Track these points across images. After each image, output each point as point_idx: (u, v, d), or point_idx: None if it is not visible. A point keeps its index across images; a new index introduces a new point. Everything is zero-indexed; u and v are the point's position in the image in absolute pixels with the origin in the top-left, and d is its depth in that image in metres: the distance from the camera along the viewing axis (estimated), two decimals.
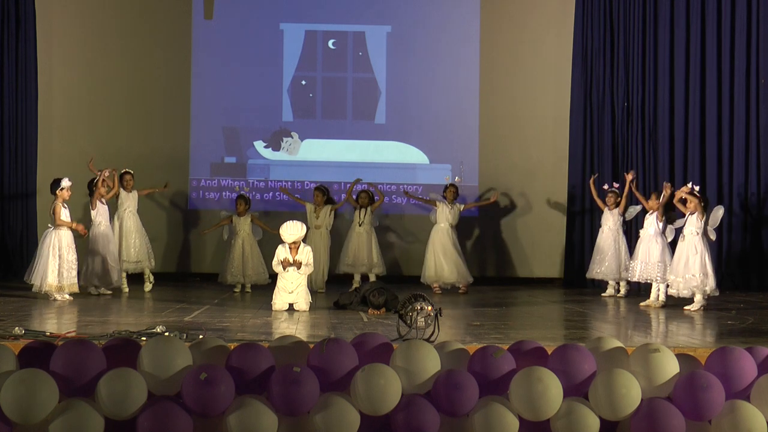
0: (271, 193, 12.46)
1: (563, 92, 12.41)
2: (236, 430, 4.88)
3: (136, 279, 10.65)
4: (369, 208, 11.27)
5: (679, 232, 9.35)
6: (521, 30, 12.59)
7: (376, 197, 11.40)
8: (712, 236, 9.22)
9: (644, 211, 10.34)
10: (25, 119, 11.94)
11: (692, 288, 9.05)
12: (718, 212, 9.28)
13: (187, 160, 12.38)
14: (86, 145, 12.02)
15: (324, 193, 11.18)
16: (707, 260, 9.04)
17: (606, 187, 11.13)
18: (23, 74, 11.92)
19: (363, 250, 11.18)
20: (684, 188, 9.30)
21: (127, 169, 10.66)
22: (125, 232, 10.51)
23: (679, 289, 9.12)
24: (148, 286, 10.48)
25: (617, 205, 10.89)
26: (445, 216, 11.10)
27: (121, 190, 10.51)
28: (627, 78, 12.22)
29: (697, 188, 9.32)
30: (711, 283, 9.00)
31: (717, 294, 9.10)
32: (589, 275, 11.10)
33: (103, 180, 10.01)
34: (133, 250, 10.52)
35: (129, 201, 10.59)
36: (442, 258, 10.97)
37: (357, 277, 11.12)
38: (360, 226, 11.23)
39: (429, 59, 12.60)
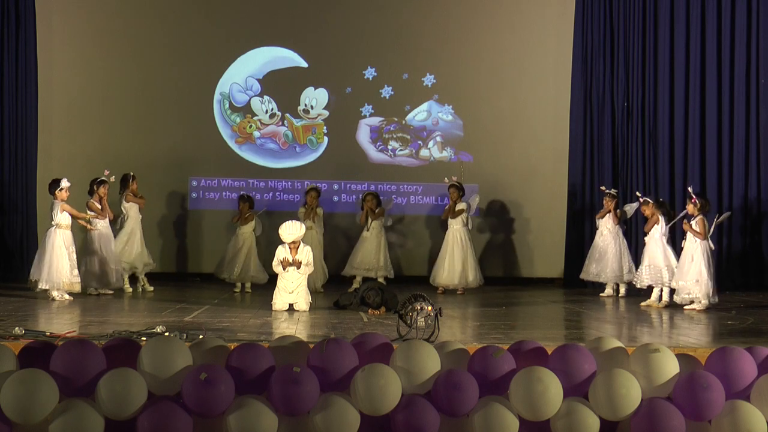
0: (271, 193, 12.44)
1: (563, 92, 12.39)
2: (236, 430, 4.88)
3: (132, 279, 10.65)
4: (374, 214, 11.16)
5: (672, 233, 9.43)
6: (521, 30, 12.56)
7: (383, 198, 11.39)
8: (711, 245, 9.25)
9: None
10: (25, 119, 11.92)
11: (686, 297, 9.10)
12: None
13: (187, 160, 12.35)
14: (86, 145, 12.03)
15: (319, 194, 11.14)
16: (703, 270, 9.04)
17: (603, 188, 11.13)
18: (23, 74, 11.90)
19: (371, 253, 11.12)
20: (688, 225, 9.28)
21: (132, 173, 10.61)
22: (141, 234, 10.57)
23: (680, 296, 9.21)
24: (149, 287, 10.52)
25: (616, 206, 10.89)
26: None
27: (129, 194, 10.52)
28: (627, 78, 12.21)
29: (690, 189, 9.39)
30: (706, 291, 9.00)
31: (716, 301, 9.11)
32: (583, 276, 11.05)
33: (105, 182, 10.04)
34: (148, 250, 10.63)
35: (136, 205, 10.61)
36: (451, 260, 10.92)
37: (358, 278, 11.09)
38: (367, 231, 11.18)
39: (429, 59, 12.56)
